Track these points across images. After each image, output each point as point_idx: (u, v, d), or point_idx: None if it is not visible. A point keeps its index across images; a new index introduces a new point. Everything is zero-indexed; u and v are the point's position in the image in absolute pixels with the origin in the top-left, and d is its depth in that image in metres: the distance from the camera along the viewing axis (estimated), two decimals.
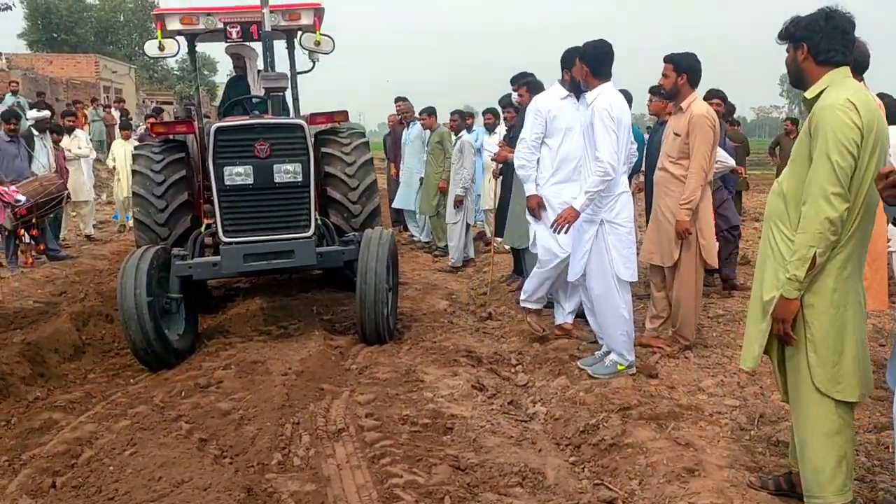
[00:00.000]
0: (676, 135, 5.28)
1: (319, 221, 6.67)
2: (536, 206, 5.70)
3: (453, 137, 10.17)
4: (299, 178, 5.99)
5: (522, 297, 5.86)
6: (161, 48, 6.95)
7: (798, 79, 2.97)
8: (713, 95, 6.93)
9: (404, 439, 4.07)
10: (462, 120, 10.27)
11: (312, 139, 7.28)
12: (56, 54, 40.73)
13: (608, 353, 5.08)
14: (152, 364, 5.59)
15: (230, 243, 5.87)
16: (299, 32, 7.30)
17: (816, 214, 2.74)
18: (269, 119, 6.23)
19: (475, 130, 10.54)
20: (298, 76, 7.87)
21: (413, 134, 11.34)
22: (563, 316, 5.90)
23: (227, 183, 5.88)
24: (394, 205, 12.38)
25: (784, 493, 3.27)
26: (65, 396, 5.11)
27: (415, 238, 11.69)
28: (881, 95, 5.08)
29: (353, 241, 6.30)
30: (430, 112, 10.69)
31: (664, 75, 5.31)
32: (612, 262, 4.89)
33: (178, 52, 7.12)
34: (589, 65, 4.88)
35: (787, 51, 2.99)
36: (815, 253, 2.76)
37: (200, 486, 3.44)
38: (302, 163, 6.01)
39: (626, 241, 4.92)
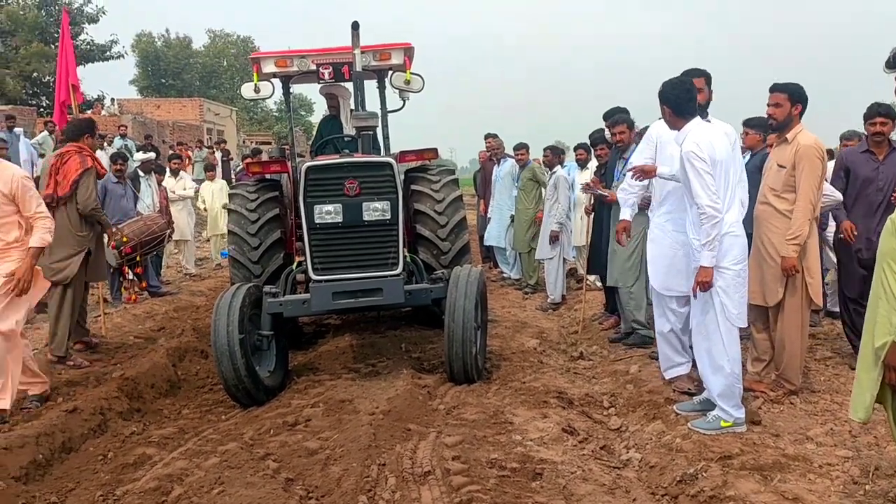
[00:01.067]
0: (781, 167, 5.02)
1: (408, 259, 6.66)
2: (622, 231, 5.55)
3: (547, 172, 10.07)
4: (388, 216, 6.02)
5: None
6: (257, 90, 7.19)
7: None
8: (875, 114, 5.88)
9: (491, 484, 3.94)
10: (555, 155, 10.17)
11: (402, 177, 7.34)
12: (163, 99, 42.92)
13: (706, 406, 4.80)
14: (243, 400, 5.65)
15: (320, 281, 5.92)
16: (390, 72, 7.40)
17: None
18: (358, 158, 6.29)
19: (567, 166, 10.38)
20: (389, 115, 7.96)
21: (504, 170, 11.28)
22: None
23: (318, 221, 5.95)
24: (485, 242, 12.32)
25: None
26: (159, 432, 5.20)
27: (505, 275, 11.58)
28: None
29: (442, 279, 6.23)
30: (523, 147, 10.66)
31: (776, 104, 5.05)
32: (723, 308, 4.56)
33: (272, 94, 7.32)
34: (671, 106, 4.69)
35: None
36: None
37: None
38: (391, 201, 6.03)
39: (734, 284, 4.57)
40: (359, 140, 6.78)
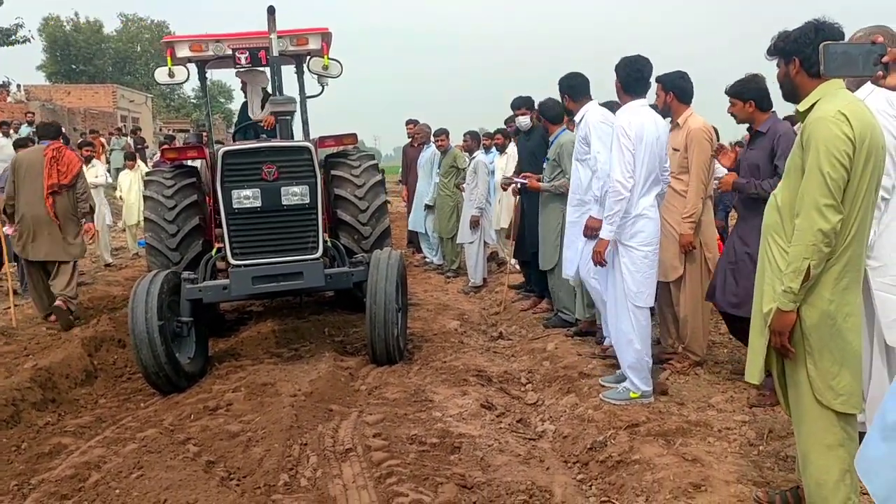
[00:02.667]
0: (675, 150, 5.26)
1: (329, 243, 6.71)
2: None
3: (466, 158, 10.20)
4: (307, 201, 6.03)
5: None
6: (171, 75, 7.05)
7: (791, 93, 2.96)
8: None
9: (411, 459, 4.05)
10: (474, 141, 10.32)
11: (323, 162, 7.35)
12: (74, 85, 41.43)
13: (623, 379, 5.00)
14: (163, 387, 5.60)
15: (239, 266, 5.91)
16: (308, 57, 7.38)
17: (810, 227, 2.73)
18: (275, 142, 6.28)
19: (491, 151, 10.46)
20: (308, 100, 7.93)
21: (425, 157, 11.36)
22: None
23: (236, 206, 5.93)
24: (409, 227, 12.40)
25: None
26: (75, 421, 5.12)
27: (428, 260, 11.69)
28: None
29: (363, 263, 6.32)
30: (444, 133, 10.72)
31: (655, 95, 5.30)
32: (626, 287, 4.73)
33: (187, 79, 7.21)
34: (621, 81, 4.80)
35: (778, 66, 2.97)
36: (808, 265, 2.74)
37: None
38: (309, 185, 6.05)
39: (640, 265, 4.71)
40: (277, 125, 6.74)
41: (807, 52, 2.83)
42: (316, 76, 7.54)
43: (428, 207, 11.11)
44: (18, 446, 4.69)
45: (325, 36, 7.27)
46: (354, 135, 7.90)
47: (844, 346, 2.83)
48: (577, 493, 3.76)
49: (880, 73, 2.44)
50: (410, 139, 12.51)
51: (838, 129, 2.69)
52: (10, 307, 7.61)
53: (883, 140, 2.83)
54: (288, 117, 6.82)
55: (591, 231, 5.02)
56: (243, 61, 7.08)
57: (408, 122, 12.58)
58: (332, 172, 7.46)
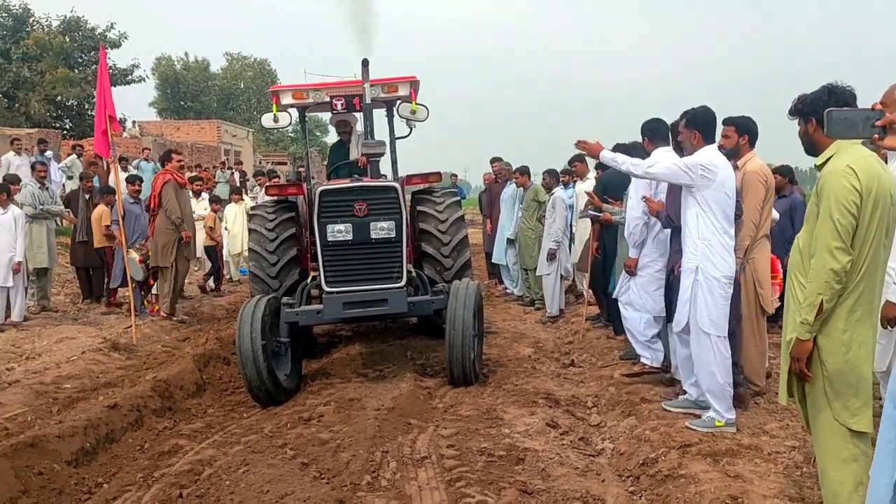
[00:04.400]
0: None
1: (414, 273, 7.28)
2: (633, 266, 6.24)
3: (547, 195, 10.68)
4: (393, 235, 6.65)
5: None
6: (276, 120, 7.86)
7: (810, 148, 3.37)
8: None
9: (479, 467, 4.54)
10: (552, 178, 10.80)
11: (409, 198, 8.00)
12: (182, 121, 43.94)
13: (691, 405, 5.30)
14: (263, 400, 6.27)
15: (332, 293, 6.55)
16: (398, 102, 8.05)
17: (822, 266, 3.12)
18: (366, 182, 6.95)
19: (570, 187, 10.85)
20: (397, 141, 8.59)
21: (508, 192, 11.90)
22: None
23: (330, 239, 6.59)
24: (492, 259, 12.93)
25: None
26: (189, 427, 5.86)
27: (508, 291, 12.18)
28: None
29: (443, 292, 6.86)
30: (524, 171, 11.22)
31: (725, 136, 5.66)
32: (700, 316, 5.02)
33: (290, 124, 8.03)
34: (700, 130, 5.19)
35: (798, 125, 3.39)
36: (822, 300, 3.13)
37: (301, 498, 4.03)
38: (395, 221, 6.68)
39: (717, 294, 4.97)
40: (368, 166, 7.41)
41: (822, 113, 3.24)
42: (405, 120, 8.20)
43: (509, 241, 11.62)
44: (142, 446, 5.44)
45: (414, 83, 7.94)
46: (439, 173, 8.53)
47: (857, 372, 3.20)
48: (627, 502, 4.18)
49: (877, 135, 2.84)
50: (495, 175, 13.11)
51: (847, 181, 3.09)
52: (130, 326, 8.49)
53: (892, 188, 3.20)
54: (378, 158, 7.49)
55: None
56: (339, 107, 7.85)
57: (492, 160, 13.20)
58: (418, 208, 8.10)
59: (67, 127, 32.39)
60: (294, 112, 8.27)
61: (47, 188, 10.64)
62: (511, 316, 10.44)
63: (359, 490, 4.27)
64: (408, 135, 8.76)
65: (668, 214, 5.53)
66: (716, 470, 4.28)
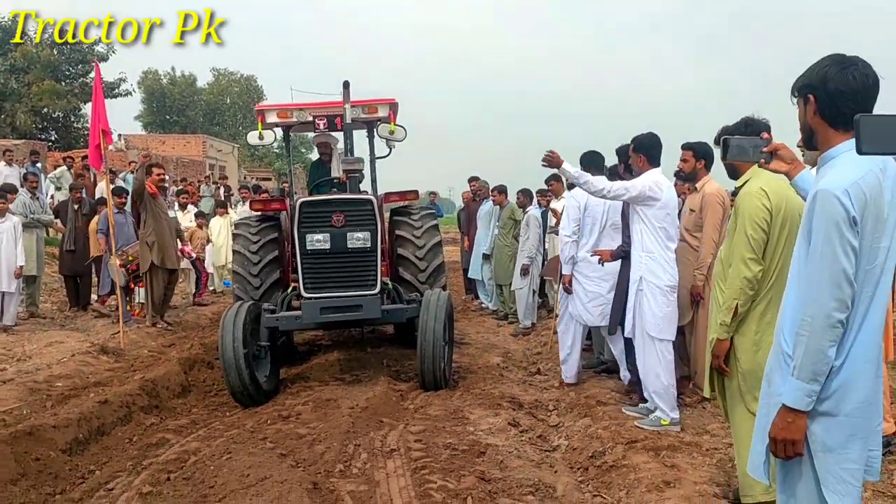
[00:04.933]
0: (692, 210, 6.13)
1: (390, 286, 7.75)
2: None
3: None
4: (368, 245, 7.07)
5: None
6: (261, 138, 8.37)
7: (732, 173, 3.88)
8: None
9: (443, 458, 4.97)
10: (526, 197, 11.28)
11: (388, 213, 8.47)
12: (167, 135, 44.26)
13: (654, 409, 5.77)
14: (245, 402, 6.66)
15: (310, 298, 6.94)
16: (377, 123, 8.55)
17: (738, 274, 3.60)
18: (344, 195, 7.44)
19: (543, 207, 11.31)
20: (377, 160, 9.12)
21: (484, 210, 12.38)
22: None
23: (309, 248, 7.00)
24: (468, 275, 13.39)
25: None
26: (174, 423, 6.24)
27: (483, 305, 12.64)
28: None
29: (416, 301, 7.31)
30: (502, 190, 11.70)
31: (683, 160, 6.17)
32: (645, 322, 5.58)
33: (274, 141, 8.52)
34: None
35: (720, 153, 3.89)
36: (737, 304, 3.61)
37: (279, 480, 4.44)
38: (371, 231, 7.11)
39: (660, 301, 5.48)
40: (347, 182, 7.84)
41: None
42: (384, 139, 8.65)
43: (485, 256, 12.08)
44: (131, 439, 5.82)
45: (393, 105, 8.43)
46: (416, 191, 9.05)
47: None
48: (575, 489, 4.62)
49: (763, 160, 3.33)
50: (473, 194, 13.60)
51: (759, 201, 3.58)
52: (118, 332, 8.85)
53: (799, 207, 3.68)
54: (357, 174, 7.88)
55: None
56: (321, 126, 8.26)
57: (470, 179, 13.69)
58: (395, 218, 8.59)
59: (53, 139, 32.65)
60: (279, 130, 8.73)
61: (38, 198, 11.01)
62: (484, 329, 10.88)
63: (332, 476, 4.69)
64: (387, 154, 9.21)
65: (623, 242, 6.03)
66: (656, 461, 4.73)
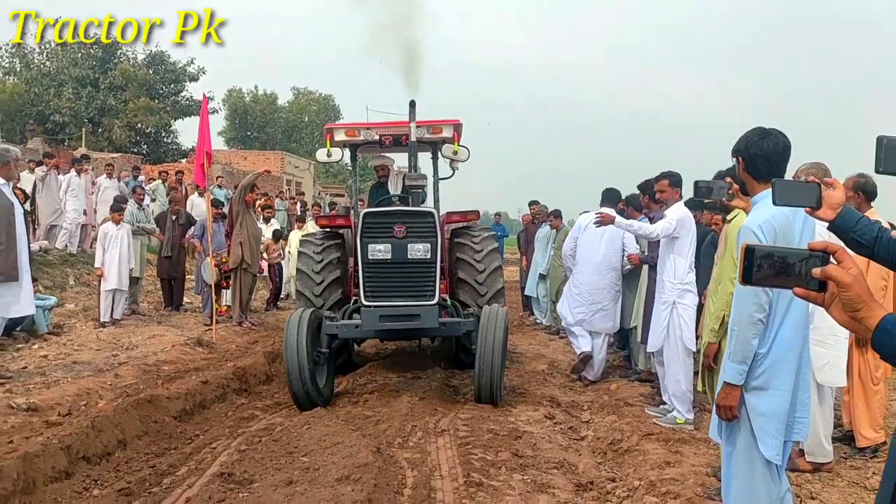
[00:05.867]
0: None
1: (448, 302, 7.99)
2: None
3: None
4: (428, 256, 7.25)
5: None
6: (329, 155, 8.71)
7: (722, 208, 4.76)
8: None
9: (485, 439, 5.92)
10: (557, 219, 12.26)
11: (448, 232, 9.03)
12: (248, 151, 46.41)
13: (671, 410, 6.61)
14: (304, 403, 6.83)
15: (370, 306, 7.15)
16: (442, 144, 8.78)
17: (725, 290, 4.46)
18: (406, 207, 7.77)
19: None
20: (441, 181, 9.42)
21: (542, 232, 13.30)
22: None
23: (371, 257, 7.24)
24: (525, 292, 14.32)
25: None
26: (261, 403, 7.37)
27: (537, 321, 13.53)
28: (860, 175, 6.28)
29: (473, 315, 7.50)
30: (557, 215, 12.63)
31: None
32: (684, 337, 6.36)
33: (341, 159, 8.98)
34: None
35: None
36: (723, 314, 4.46)
37: (349, 444, 5.46)
38: (431, 243, 7.29)
39: (690, 321, 6.33)
40: (409, 197, 8.11)
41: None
42: (448, 160, 8.89)
43: (541, 276, 12.99)
44: (226, 413, 6.97)
45: (457, 126, 8.66)
46: (477, 212, 9.53)
47: None
48: (592, 467, 5.51)
49: (726, 198, 4.20)
50: (532, 217, 14.56)
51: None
52: (210, 328, 10.10)
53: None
54: (419, 191, 8.03)
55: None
56: (387, 144, 8.72)
57: (530, 203, 14.67)
58: (456, 240, 8.86)
59: (144, 152, 34.88)
60: (346, 151, 9.08)
61: (143, 209, 12.45)
62: (536, 342, 11.76)
63: (392, 446, 5.70)
64: (451, 175, 9.33)
65: (652, 257, 6.96)
66: (664, 449, 5.59)
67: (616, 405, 7.11)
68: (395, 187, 9.31)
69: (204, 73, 37.05)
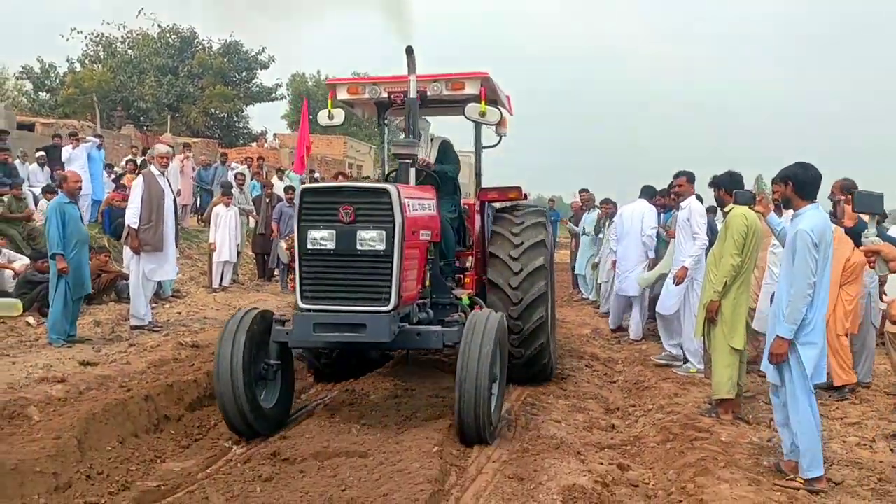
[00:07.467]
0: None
1: (464, 301, 6.68)
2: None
3: None
4: (382, 247, 5.47)
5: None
6: (331, 117, 7.35)
7: (720, 203, 6.39)
8: None
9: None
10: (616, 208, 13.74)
11: (490, 216, 7.78)
12: (313, 135, 48.32)
13: (686, 360, 8.23)
14: (241, 431, 5.63)
15: (305, 311, 5.53)
16: (468, 103, 6.99)
17: (727, 263, 6.08)
18: (354, 183, 6.31)
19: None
20: (484, 150, 7.96)
21: (590, 218, 14.86)
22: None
23: (310, 247, 5.54)
24: (575, 271, 15.97)
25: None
26: None
27: (584, 296, 15.17)
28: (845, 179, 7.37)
29: (458, 322, 5.90)
30: (607, 202, 14.16)
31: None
32: (693, 305, 8.00)
33: (343, 121, 7.57)
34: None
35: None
36: (725, 280, 6.09)
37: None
38: (387, 231, 5.48)
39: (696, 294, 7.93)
40: (398, 169, 6.60)
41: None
42: (494, 127, 7.46)
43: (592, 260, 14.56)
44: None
45: (485, 81, 7.01)
46: (519, 188, 7.83)
47: (739, 318, 6.14)
48: (619, 399, 7.23)
49: (752, 205, 5.81)
50: (581, 203, 16.14)
51: (742, 221, 6.07)
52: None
53: (760, 229, 6.14)
54: (409, 160, 6.50)
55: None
56: (399, 103, 7.01)
57: (580, 191, 16.22)
58: (492, 228, 7.45)
59: (218, 136, 37.21)
60: (361, 110, 8.23)
61: (244, 193, 14.44)
62: (583, 314, 13.41)
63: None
64: (496, 144, 7.96)
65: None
66: (675, 387, 7.27)
67: (644, 360, 8.78)
68: (427, 157, 7.34)
69: (274, 61, 39.26)
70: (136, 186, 9.23)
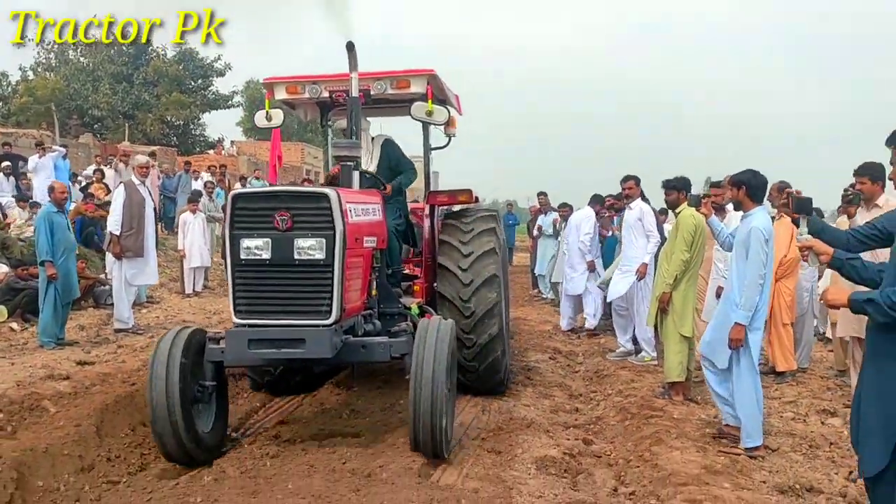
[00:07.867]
0: None
1: (413, 310, 6.39)
2: None
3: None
4: (321, 256, 5.14)
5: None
6: (268, 118, 7.01)
7: (672, 206, 7.10)
8: None
9: None
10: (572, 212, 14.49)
11: (438, 222, 7.48)
12: (268, 141, 48.40)
13: (640, 351, 8.93)
14: (178, 459, 5.26)
15: (239, 325, 5.20)
16: (413, 103, 6.80)
17: (678, 258, 6.76)
18: (291, 188, 5.82)
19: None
20: (433, 152, 7.76)
21: (548, 220, 15.57)
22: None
23: (243, 257, 5.15)
24: (534, 271, 16.68)
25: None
26: None
27: (543, 295, 15.90)
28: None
29: (406, 332, 5.69)
30: (564, 206, 14.85)
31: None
32: (642, 298, 8.75)
33: (283, 123, 7.24)
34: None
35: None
36: (676, 274, 6.77)
37: None
38: (326, 238, 5.15)
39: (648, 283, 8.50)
40: (339, 174, 6.29)
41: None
42: (442, 127, 7.19)
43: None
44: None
45: (431, 79, 6.82)
46: (469, 191, 7.52)
47: (688, 308, 6.84)
48: (582, 386, 7.91)
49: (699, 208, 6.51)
50: (539, 206, 16.87)
51: (691, 220, 6.76)
52: None
53: (705, 229, 6.84)
54: (351, 163, 6.19)
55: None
56: (341, 102, 6.65)
57: (539, 194, 16.92)
58: (440, 238, 7.14)
59: (175, 144, 37.14)
60: (307, 111, 8.01)
61: (213, 200, 14.83)
62: (544, 312, 14.09)
63: None
64: (445, 145, 7.75)
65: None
66: (631, 374, 7.98)
67: (602, 353, 9.48)
68: (368, 160, 7.04)
69: (230, 69, 39.36)
70: (118, 195, 9.66)
